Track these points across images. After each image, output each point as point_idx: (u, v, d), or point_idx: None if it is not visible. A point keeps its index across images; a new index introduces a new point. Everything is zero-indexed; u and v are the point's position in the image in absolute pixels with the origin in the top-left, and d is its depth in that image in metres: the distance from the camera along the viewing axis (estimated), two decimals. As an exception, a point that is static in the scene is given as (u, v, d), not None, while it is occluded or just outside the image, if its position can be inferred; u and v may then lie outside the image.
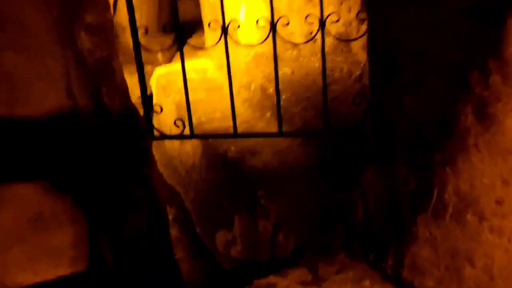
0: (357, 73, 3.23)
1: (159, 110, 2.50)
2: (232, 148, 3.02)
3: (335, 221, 2.43)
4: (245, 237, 2.81)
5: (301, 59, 3.78)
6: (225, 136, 2.58)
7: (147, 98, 2.47)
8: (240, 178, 2.81)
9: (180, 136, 2.52)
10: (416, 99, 1.60)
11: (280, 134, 2.46)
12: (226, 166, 2.97)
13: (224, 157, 2.97)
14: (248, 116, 3.58)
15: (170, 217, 3.73)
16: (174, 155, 4.10)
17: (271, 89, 3.49)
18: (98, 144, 1.22)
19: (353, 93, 2.85)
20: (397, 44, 1.61)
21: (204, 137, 2.60)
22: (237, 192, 2.84)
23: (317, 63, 3.64)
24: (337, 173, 2.44)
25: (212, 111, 3.80)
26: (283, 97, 3.27)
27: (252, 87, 3.74)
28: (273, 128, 3.25)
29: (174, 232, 3.52)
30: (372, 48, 1.88)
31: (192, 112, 3.90)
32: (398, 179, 1.79)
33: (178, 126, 2.52)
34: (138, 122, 1.50)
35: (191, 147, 3.72)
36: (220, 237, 2.96)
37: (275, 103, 3.44)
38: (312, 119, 2.80)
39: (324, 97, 2.40)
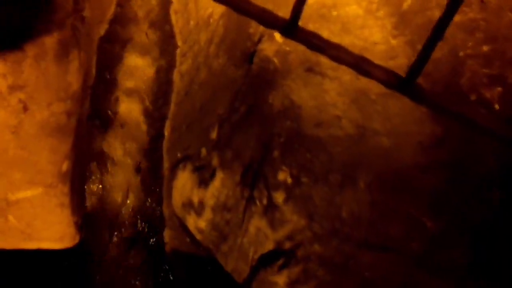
0: None
1: None
2: (277, 37, 1.42)
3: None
4: (220, 218, 1.42)
5: None
6: (263, 21, 0.98)
7: None
8: (262, 114, 1.30)
9: None
10: None
11: (405, 86, 0.88)
12: (248, 73, 1.42)
13: (250, 54, 1.41)
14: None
15: (148, 74, 2.27)
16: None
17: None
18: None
19: None
20: None
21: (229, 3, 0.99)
22: (244, 132, 1.36)
23: None
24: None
25: None
26: (426, -23, 1.54)
27: None
28: (375, 33, 1.60)
29: (133, 107, 2.11)
30: None
31: None
32: None
33: None
34: None
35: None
36: (182, 185, 1.57)
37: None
38: (474, 80, 1.17)
39: None
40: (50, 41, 0.94)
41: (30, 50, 0.90)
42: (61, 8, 0.96)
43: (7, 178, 1.13)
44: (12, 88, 0.92)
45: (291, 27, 0.93)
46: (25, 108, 0.98)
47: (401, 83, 0.89)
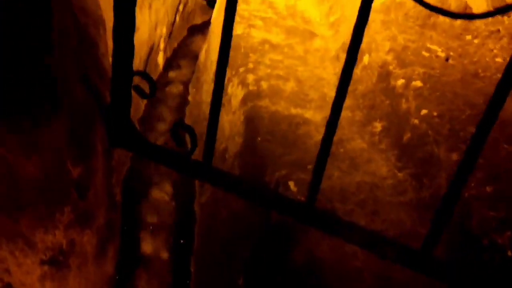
0: None
1: (148, 90, 1.00)
2: (291, 186, 1.52)
3: None
4: None
5: (468, 37, 2.09)
6: (277, 207, 1.07)
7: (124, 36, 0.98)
8: (286, 269, 1.36)
9: (174, 162, 1.06)
10: None
11: (421, 259, 0.94)
12: (268, 221, 1.50)
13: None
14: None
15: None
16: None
17: (400, 81, 1.87)
18: None
19: None
20: None
21: (229, 186, 1.09)
22: (270, 285, 1.40)
23: (499, 57, 1.95)
24: None
25: (284, 73, 2.25)
26: (420, 112, 1.67)
27: (366, 61, 2.10)
28: (381, 167, 1.70)
29: (157, 243, 2.18)
30: None
31: (252, 67, 2.37)
32: None
33: (180, 142, 1.04)
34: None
35: (233, 117, 2.24)
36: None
37: (400, 112, 1.79)
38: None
39: None
40: (90, 249, 1.03)
41: (74, 262, 0.99)
42: (98, 216, 1.07)
43: None
44: (58, 295, 1.00)
45: (307, 211, 1.02)
46: (69, 307, 1.05)
47: (417, 257, 0.95)
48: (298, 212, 1.02)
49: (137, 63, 2.72)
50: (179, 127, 1.03)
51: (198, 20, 4.53)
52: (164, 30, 3.37)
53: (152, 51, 3.13)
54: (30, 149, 0.85)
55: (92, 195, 0.99)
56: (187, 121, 3.02)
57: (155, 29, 3.16)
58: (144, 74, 1.03)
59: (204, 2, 4.66)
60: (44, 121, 0.82)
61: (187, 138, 1.15)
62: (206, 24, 4.57)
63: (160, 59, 3.51)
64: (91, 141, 0.98)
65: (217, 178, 1.06)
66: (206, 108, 2.72)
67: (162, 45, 3.43)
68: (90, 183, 0.98)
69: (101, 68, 1.20)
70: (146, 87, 1.11)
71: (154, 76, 3.37)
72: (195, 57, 3.96)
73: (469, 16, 0.91)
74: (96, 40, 1.26)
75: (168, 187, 2.48)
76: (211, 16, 4.58)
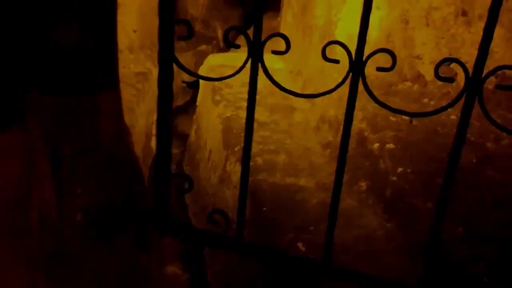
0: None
1: (186, 185, 1.29)
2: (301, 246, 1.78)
3: None
4: None
5: (425, 100, 2.47)
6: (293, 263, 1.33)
7: (164, 153, 1.28)
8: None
9: (214, 241, 1.32)
10: None
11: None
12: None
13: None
14: (327, 175, 2.32)
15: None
16: (209, 191, 2.90)
17: (375, 145, 2.21)
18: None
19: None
20: None
21: (258, 254, 1.36)
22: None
23: (453, 114, 2.32)
24: None
25: (275, 147, 2.57)
26: (397, 170, 1.99)
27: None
28: (372, 220, 1.99)
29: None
30: None
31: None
32: None
33: (215, 224, 1.31)
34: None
35: (234, 191, 2.51)
36: None
37: (380, 172, 2.14)
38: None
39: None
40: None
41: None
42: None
43: None
44: None
45: (326, 267, 1.28)
46: None
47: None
48: (319, 269, 1.28)
49: (138, 151, 3.01)
50: (216, 213, 1.30)
51: (181, 101, 4.90)
52: (155, 117, 3.69)
53: (147, 139, 3.43)
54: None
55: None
56: (187, 197, 3.27)
57: (148, 118, 3.49)
58: (181, 175, 1.32)
59: (184, 85, 5.05)
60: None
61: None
62: (188, 104, 4.95)
63: (154, 144, 3.81)
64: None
65: (250, 251, 1.33)
66: (206, 184, 3.00)
67: (154, 131, 3.74)
68: None
69: (139, 174, 1.48)
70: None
71: (149, 159, 3.65)
72: (183, 136, 4.28)
73: (422, 114, 1.21)
74: (132, 150, 1.55)
75: (177, 262, 2.68)
76: (192, 97, 4.96)
